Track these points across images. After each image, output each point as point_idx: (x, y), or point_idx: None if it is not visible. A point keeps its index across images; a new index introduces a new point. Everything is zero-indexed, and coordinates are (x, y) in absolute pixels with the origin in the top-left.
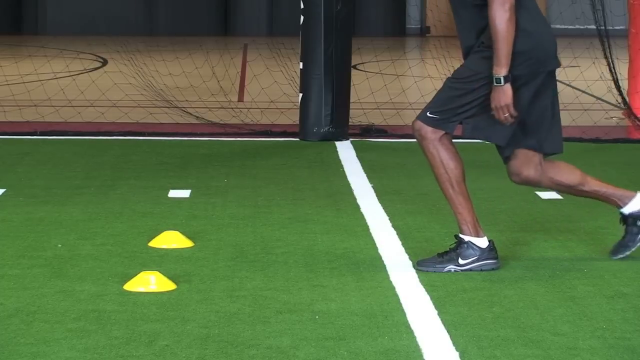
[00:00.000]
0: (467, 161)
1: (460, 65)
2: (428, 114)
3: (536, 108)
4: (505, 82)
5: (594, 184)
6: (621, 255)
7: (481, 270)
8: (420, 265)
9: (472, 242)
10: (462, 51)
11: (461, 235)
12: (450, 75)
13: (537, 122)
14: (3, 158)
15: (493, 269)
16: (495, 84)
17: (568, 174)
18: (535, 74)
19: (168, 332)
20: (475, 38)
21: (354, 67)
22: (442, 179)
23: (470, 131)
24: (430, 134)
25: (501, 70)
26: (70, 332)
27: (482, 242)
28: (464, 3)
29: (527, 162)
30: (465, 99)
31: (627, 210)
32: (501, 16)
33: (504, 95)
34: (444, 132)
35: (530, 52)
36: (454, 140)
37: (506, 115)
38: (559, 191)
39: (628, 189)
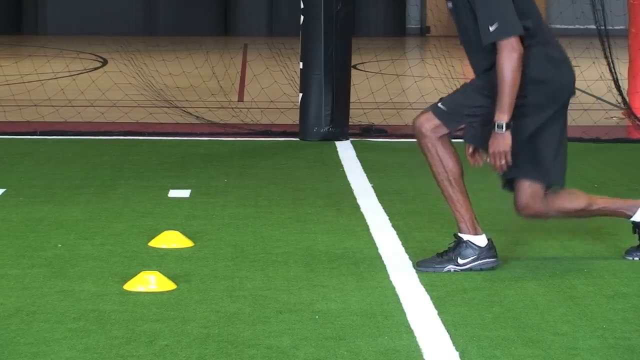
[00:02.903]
0: (467, 161)
1: (479, 77)
2: (439, 104)
3: (545, 137)
4: (507, 129)
5: (601, 202)
6: (636, 259)
7: (481, 269)
8: (420, 265)
9: (470, 241)
10: (473, 69)
11: (460, 234)
12: (468, 82)
13: (543, 152)
14: (3, 158)
15: (492, 268)
16: (496, 130)
17: (575, 200)
18: (550, 103)
19: (168, 332)
20: (489, 65)
21: (354, 67)
22: (441, 177)
23: (471, 137)
24: (430, 132)
25: (503, 117)
26: (70, 332)
27: (481, 241)
28: (473, 45)
29: (534, 196)
30: (476, 105)
31: (637, 217)
32: (509, 64)
33: (503, 141)
34: (442, 133)
35: (548, 82)
36: (454, 141)
37: (502, 162)
38: (569, 218)
39: (632, 199)
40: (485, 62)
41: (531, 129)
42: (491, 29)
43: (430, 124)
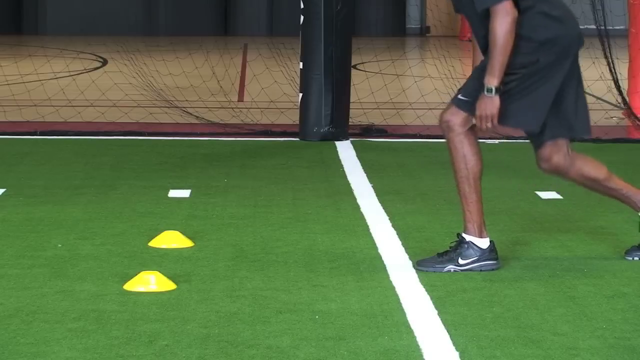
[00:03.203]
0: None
1: (485, 56)
2: (460, 96)
3: (564, 93)
4: (496, 93)
5: (618, 183)
6: (636, 259)
7: (481, 270)
8: (420, 265)
9: (473, 243)
10: (478, 44)
11: (464, 234)
12: (477, 66)
13: (565, 107)
14: (3, 158)
15: (493, 270)
16: (485, 93)
17: (596, 168)
18: (563, 60)
19: (168, 332)
20: (485, 32)
21: (354, 67)
22: (461, 174)
23: (499, 118)
24: (458, 126)
25: (493, 81)
26: (70, 332)
27: (484, 243)
28: (469, 14)
29: (556, 149)
30: None
31: None
32: (502, 28)
33: (491, 105)
34: (470, 124)
35: (556, 40)
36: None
37: (489, 125)
38: (584, 185)
39: None
40: (482, 30)
41: (555, 90)
42: None
43: (457, 119)
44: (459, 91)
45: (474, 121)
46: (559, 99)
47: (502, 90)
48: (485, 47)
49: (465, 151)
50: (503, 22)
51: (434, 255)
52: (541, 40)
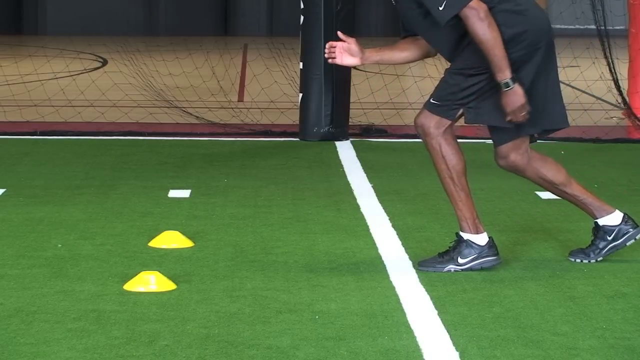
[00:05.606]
0: (466, 161)
1: (455, 61)
2: (431, 100)
3: (533, 90)
4: (514, 83)
5: (576, 189)
6: (578, 260)
7: (482, 268)
8: (421, 265)
9: (470, 241)
10: (445, 57)
11: (461, 233)
12: (448, 67)
13: (532, 105)
14: (3, 158)
15: (494, 266)
16: (504, 89)
17: (554, 171)
18: (533, 52)
19: (168, 332)
20: (455, 44)
21: (354, 67)
22: (444, 175)
23: (474, 117)
24: (433, 129)
25: (505, 74)
26: (70, 332)
27: (482, 240)
28: (432, 26)
29: (515, 147)
30: (464, 87)
31: (601, 222)
32: (481, 26)
33: (516, 96)
34: (445, 126)
35: (523, 34)
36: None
37: (523, 114)
38: (540, 185)
39: (608, 204)
40: (449, 43)
41: (528, 82)
42: (440, 8)
43: (431, 122)
44: (431, 95)
45: (447, 123)
46: (531, 94)
47: (474, 91)
48: (451, 54)
49: (444, 152)
50: (478, 21)
51: (435, 255)
52: (506, 39)
